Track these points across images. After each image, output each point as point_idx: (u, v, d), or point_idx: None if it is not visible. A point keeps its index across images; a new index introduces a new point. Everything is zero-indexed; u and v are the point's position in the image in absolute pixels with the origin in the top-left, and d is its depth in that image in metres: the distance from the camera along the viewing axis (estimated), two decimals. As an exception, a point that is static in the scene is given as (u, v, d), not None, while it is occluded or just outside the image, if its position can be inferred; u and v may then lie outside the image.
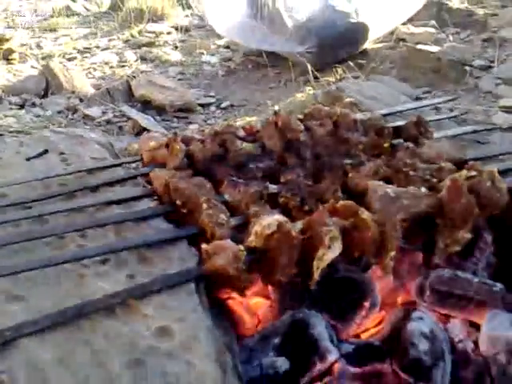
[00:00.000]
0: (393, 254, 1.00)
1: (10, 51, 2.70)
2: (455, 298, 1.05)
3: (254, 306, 1.01)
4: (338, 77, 2.18)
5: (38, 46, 2.98)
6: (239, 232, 0.98)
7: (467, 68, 2.29)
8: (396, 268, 1.06)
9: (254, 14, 2.31)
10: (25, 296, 0.85)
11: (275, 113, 1.26)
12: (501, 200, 1.09)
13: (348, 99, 1.46)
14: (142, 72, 2.44)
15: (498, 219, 1.13)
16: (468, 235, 1.05)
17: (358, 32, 2.37)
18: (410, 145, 1.23)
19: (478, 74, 2.29)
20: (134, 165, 1.25)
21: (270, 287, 1.00)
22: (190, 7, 3.63)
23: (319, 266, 0.93)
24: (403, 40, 2.64)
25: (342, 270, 1.04)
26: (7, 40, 2.73)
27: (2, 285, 0.86)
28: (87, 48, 2.91)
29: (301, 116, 1.32)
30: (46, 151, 1.30)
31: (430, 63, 2.33)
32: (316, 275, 0.93)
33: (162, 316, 0.82)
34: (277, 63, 2.35)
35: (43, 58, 2.73)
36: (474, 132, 1.45)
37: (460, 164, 1.18)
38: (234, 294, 0.96)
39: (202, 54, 2.67)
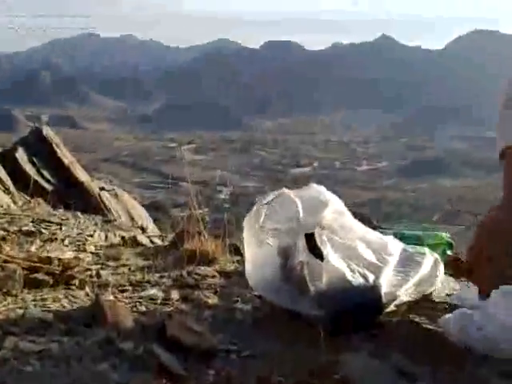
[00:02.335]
0: None
1: (72, 277, 3.09)
2: None
3: None
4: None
5: (98, 275, 3.38)
6: None
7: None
8: None
9: (283, 276, 2.65)
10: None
11: None
12: None
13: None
14: (180, 312, 2.72)
15: None
16: None
17: (372, 306, 2.59)
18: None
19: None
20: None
21: None
22: (238, 253, 4.04)
23: None
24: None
25: None
26: (72, 267, 3.15)
27: None
28: (140, 282, 3.27)
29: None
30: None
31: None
32: None
33: None
34: (300, 321, 2.59)
35: (99, 286, 3.10)
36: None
37: None
38: None
39: (237, 301, 2.96)
